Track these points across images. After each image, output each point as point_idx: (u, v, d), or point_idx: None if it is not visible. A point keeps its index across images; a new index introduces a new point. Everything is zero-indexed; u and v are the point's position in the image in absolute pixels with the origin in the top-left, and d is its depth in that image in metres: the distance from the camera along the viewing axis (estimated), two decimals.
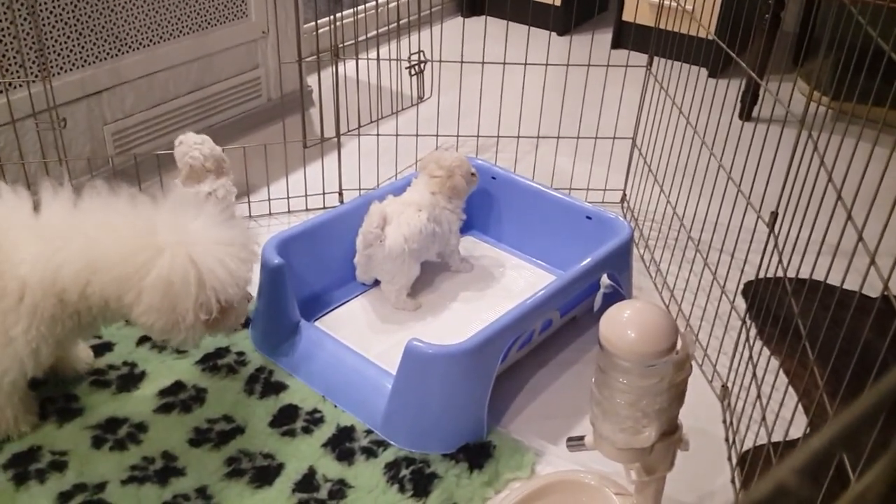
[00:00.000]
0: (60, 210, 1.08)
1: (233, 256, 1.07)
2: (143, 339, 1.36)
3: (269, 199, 1.72)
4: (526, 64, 1.71)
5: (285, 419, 1.22)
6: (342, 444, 1.18)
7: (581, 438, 0.93)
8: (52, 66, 1.57)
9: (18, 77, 1.51)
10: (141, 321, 1.04)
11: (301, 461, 1.15)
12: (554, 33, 2.84)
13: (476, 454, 1.18)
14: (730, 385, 1.31)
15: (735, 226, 1.29)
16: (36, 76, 1.53)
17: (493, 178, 1.62)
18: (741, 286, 1.55)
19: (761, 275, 1.33)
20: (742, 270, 1.33)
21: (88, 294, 1.04)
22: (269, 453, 1.16)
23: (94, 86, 1.66)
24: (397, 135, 1.79)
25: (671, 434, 0.91)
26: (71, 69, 1.61)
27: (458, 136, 1.81)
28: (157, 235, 1.04)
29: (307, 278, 1.44)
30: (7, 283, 1.03)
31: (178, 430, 1.19)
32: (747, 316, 1.44)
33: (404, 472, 1.15)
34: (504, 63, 1.71)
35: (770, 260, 1.18)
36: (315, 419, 1.23)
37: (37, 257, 1.03)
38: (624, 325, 0.81)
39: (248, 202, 1.71)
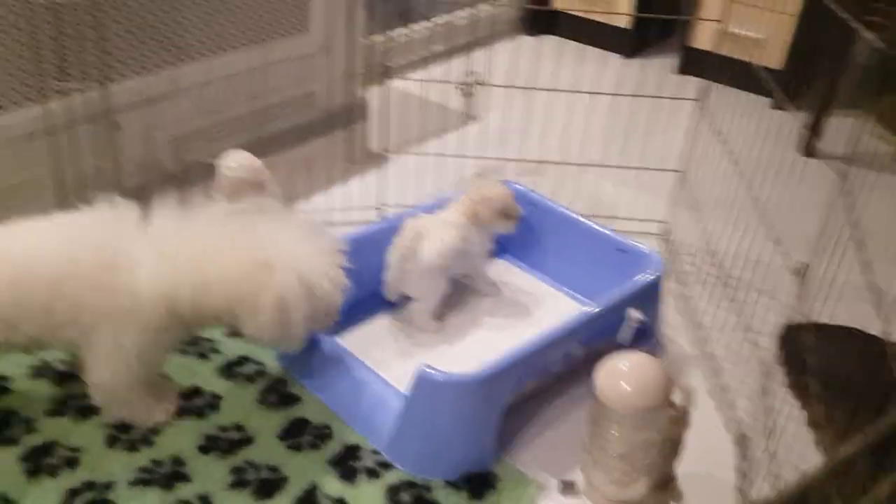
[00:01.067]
0: (171, 224, 1.13)
1: (332, 265, 1.13)
2: None
3: (312, 212, 1.75)
4: (579, 92, 1.69)
5: (294, 432, 1.24)
6: (346, 463, 1.19)
7: (573, 484, 0.91)
8: (111, 72, 1.63)
9: (79, 81, 1.57)
10: (254, 336, 1.11)
11: (304, 476, 1.16)
12: (621, 55, 2.80)
13: (478, 484, 1.17)
14: (748, 433, 1.26)
15: (776, 266, 1.24)
16: (96, 81, 1.59)
17: (532, 204, 1.60)
18: (775, 330, 1.50)
19: (798, 319, 1.27)
20: (778, 314, 1.28)
21: (202, 310, 1.09)
22: (275, 466, 1.18)
23: (152, 93, 1.72)
24: (444, 154, 1.79)
25: (665, 486, 0.88)
26: (130, 75, 1.67)
27: (506, 158, 1.81)
28: (267, 253, 1.09)
29: None
30: (122, 300, 1.08)
31: (190, 435, 1.22)
32: (777, 362, 1.39)
33: (404, 496, 1.14)
34: (555, 90, 1.70)
35: (807, 306, 1.13)
36: (323, 434, 1.24)
37: (153, 274, 1.08)
38: (619, 377, 0.79)
39: None
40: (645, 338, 1.44)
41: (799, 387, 1.37)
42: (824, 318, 1.07)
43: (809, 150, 2.10)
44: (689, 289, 1.60)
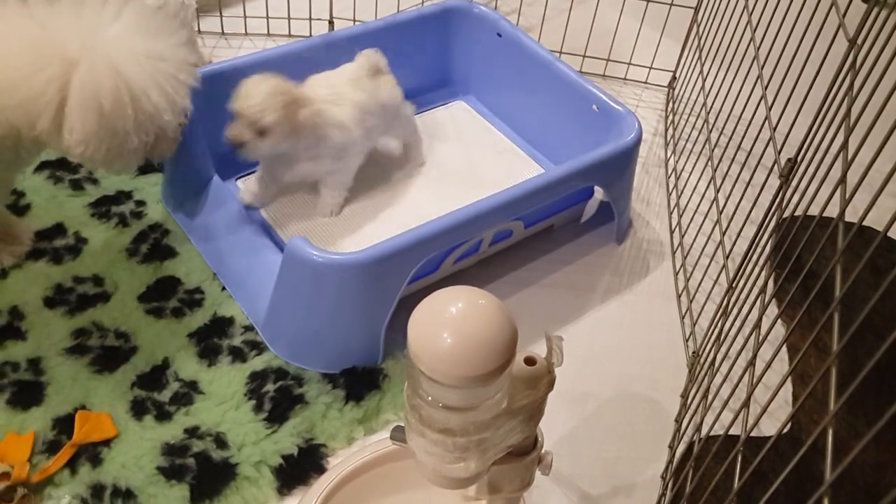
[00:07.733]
0: None
1: (168, 75, 0.87)
2: (42, 166, 1.19)
3: (245, 17, 1.46)
4: None
5: (160, 294, 1.05)
6: (211, 339, 1.00)
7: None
8: None
9: None
10: (78, 152, 0.85)
11: (157, 349, 0.99)
12: None
13: (360, 382, 0.98)
14: (712, 352, 1.04)
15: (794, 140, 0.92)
16: None
17: (499, 35, 1.30)
18: (772, 223, 1.22)
19: (806, 211, 0.98)
20: (781, 201, 0.98)
21: None
22: (126, 332, 1.00)
23: None
24: None
25: (521, 457, 0.67)
26: None
27: None
28: (66, 44, 0.83)
29: None
30: None
31: (39, 283, 1.04)
32: (769, 263, 1.13)
33: (269, 387, 0.96)
34: None
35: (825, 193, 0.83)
36: (193, 301, 1.04)
37: None
38: (438, 328, 0.56)
39: (221, 16, 1.46)
40: (611, 217, 1.20)
41: (784, 296, 1.13)
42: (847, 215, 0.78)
43: None
44: (682, 161, 1.31)
